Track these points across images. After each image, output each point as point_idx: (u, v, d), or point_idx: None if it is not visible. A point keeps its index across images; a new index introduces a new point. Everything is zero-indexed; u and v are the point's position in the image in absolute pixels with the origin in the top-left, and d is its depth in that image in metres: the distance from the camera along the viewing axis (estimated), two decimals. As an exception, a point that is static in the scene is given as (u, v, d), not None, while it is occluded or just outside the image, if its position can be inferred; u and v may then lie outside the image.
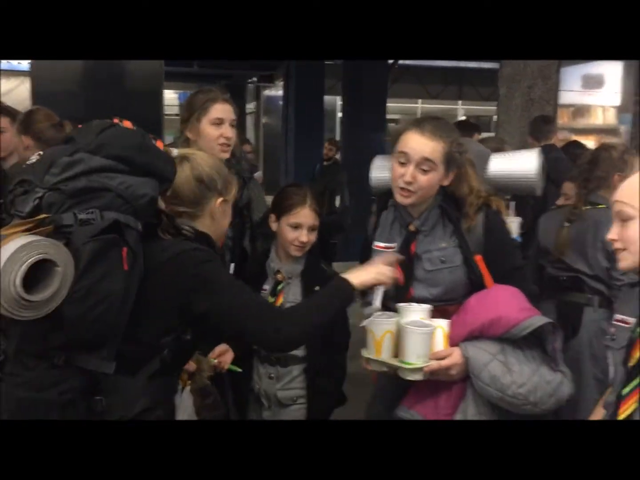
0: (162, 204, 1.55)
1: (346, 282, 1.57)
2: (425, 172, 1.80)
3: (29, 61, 4.09)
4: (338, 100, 11.30)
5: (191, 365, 1.80)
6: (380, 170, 2.07)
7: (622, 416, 1.34)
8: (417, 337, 1.69)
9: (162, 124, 4.28)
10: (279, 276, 2.22)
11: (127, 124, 1.52)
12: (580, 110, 6.23)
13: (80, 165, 1.39)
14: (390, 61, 8.72)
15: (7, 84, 14.93)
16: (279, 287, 2.21)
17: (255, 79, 13.46)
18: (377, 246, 1.92)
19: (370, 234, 1.98)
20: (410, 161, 1.80)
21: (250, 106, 15.06)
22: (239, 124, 2.69)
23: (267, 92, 14.03)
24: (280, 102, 10.21)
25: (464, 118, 16.29)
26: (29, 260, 1.24)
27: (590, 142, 5.44)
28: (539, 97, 3.54)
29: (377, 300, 1.68)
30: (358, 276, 1.61)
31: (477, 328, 1.70)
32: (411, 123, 1.85)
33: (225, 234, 1.83)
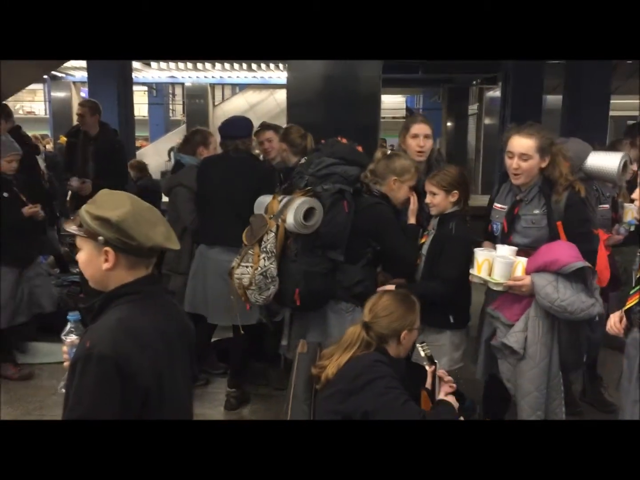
0: (364, 178, 2.94)
1: None
2: (525, 160, 2.68)
3: (286, 76, 5.15)
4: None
5: None
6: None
7: (627, 307, 1.99)
8: (501, 264, 2.64)
9: (379, 126, 5.02)
10: None
11: (344, 140, 2.96)
12: None
13: (323, 163, 2.85)
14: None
15: (259, 95, 17.34)
16: None
17: (478, 81, 13.77)
18: (495, 206, 2.91)
19: (493, 197, 2.96)
20: (514, 155, 2.70)
21: (473, 107, 15.40)
22: (463, 125, 3.44)
23: (490, 94, 14.23)
24: (502, 103, 10.46)
25: None
26: (305, 207, 2.78)
27: None
28: None
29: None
30: None
31: (542, 265, 2.59)
32: (513, 129, 2.73)
33: (401, 202, 3.02)
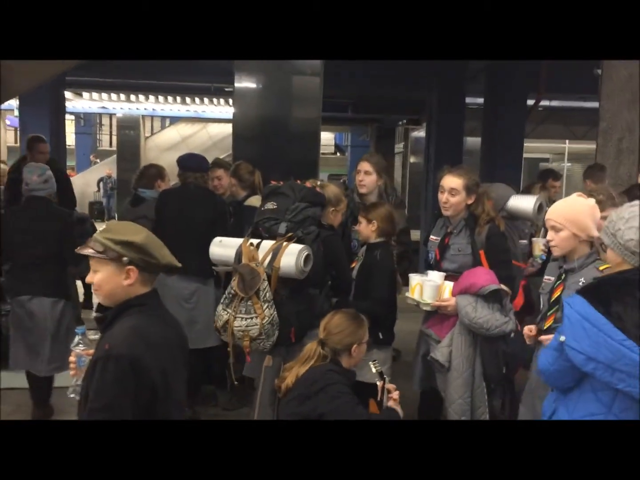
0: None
1: None
2: (453, 195, 3.12)
3: (233, 111, 5.35)
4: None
5: None
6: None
7: (546, 326, 2.55)
8: (429, 287, 3.09)
9: (318, 162, 5.35)
10: None
11: (308, 184, 3.17)
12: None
13: (297, 209, 3.04)
14: (530, 103, 9.17)
15: (192, 128, 17.48)
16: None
17: (404, 121, 14.51)
18: (431, 238, 3.33)
19: (429, 231, 3.38)
20: (445, 190, 3.13)
21: (399, 146, 16.17)
22: (389, 163, 3.95)
23: (416, 134, 14.99)
24: (426, 143, 11.06)
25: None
26: (305, 254, 2.92)
27: None
28: (626, 148, 4.29)
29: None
30: None
31: (464, 288, 3.02)
32: (446, 169, 3.18)
33: (339, 226, 3.40)
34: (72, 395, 1.86)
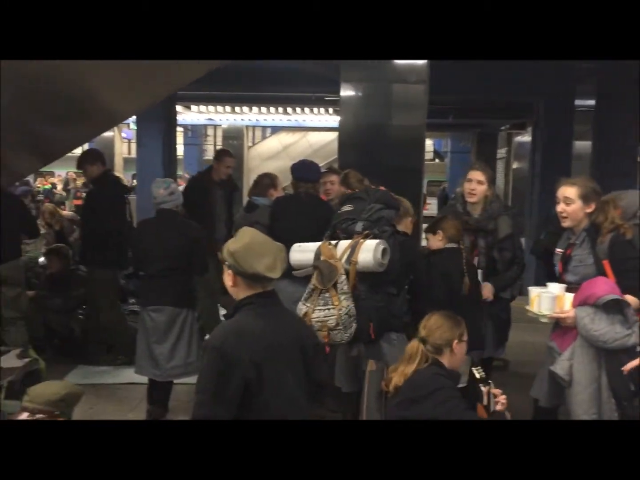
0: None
1: None
2: (568, 205, 3.06)
3: (339, 120, 5.46)
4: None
5: None
6: None
7: None
8: (545, 299, 3.04)
9: (422, 169, 5.35)
10: None
11: (382, 188, 3.37)
12: None
13: (373, 209, 3.25)
14: (646, 105, 8.67)
15: (292, 137, 17.90)
16: None
17: (507, 126, 14.12)
18: (557, 250, 3.27)
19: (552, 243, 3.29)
20: (560, 200, 3.09)
21: (501, 151, 15.75)
22: (491, 169, 3.91)
23: (519, 139, 14.54)
24: (531, 148, 10.69)
25: None
26: (382, 247, 3.10)
27: None
28: None
29: None
30: None
31: (583, 299, 2.94)
32: (562, 180, 3.15)
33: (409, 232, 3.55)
34: None
